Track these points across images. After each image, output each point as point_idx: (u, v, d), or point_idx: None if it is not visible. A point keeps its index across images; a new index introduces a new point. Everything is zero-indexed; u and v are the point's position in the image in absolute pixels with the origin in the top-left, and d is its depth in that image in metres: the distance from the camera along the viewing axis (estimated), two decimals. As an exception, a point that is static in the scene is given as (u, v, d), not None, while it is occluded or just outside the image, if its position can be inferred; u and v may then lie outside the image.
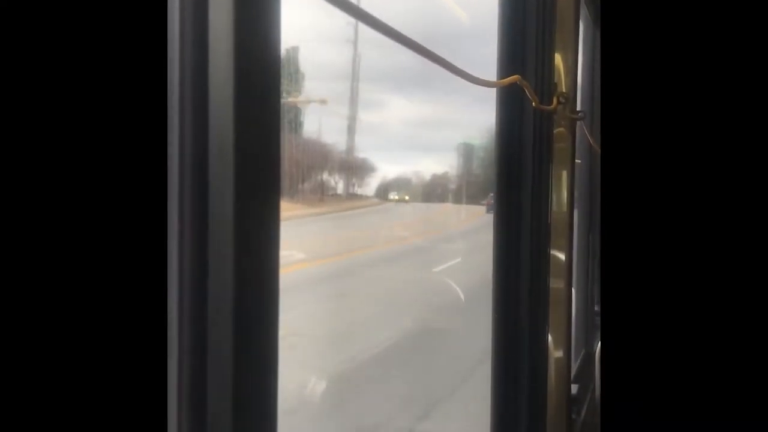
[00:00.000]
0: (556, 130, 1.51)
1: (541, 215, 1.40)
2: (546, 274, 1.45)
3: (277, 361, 0.52)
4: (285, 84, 0.53)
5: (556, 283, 1.54)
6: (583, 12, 2.34)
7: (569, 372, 1.70)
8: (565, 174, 1.58)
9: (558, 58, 1.51)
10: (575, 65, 1.59)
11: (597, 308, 2.83)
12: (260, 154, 0.50)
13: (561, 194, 1.58)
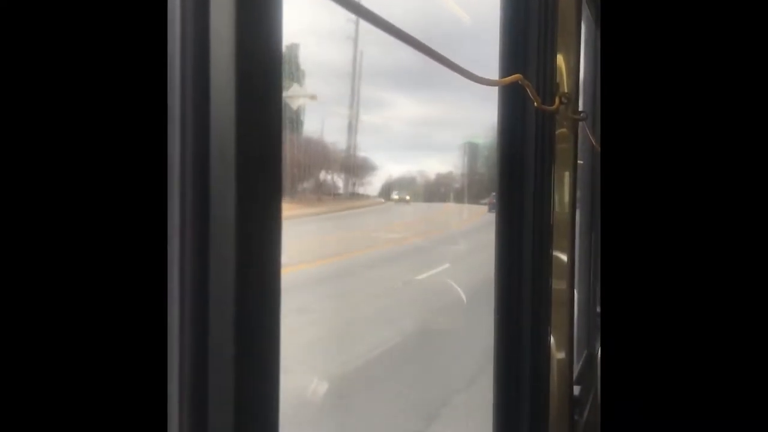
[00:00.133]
0: (558, 131, 1.51)
1: (543, 216, 1.39)
2: (548, 275, 1.45)
3: (279, 364, 0.52)
4: (285, 82, 0.53)
5: (558, 284, 1.53)
6: (585, 12, 2.34)
7: (571, 373, 1.70)
8: (567, 174, 1.58)
9: (560, 59, 1.51)
10: (577, 65, 1.59)
11: (599, 309, 2.83)
12: (262, 155, 0.49)
13: (563, 195, 1.58)
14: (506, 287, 1.35)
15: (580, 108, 1.70)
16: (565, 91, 1.50)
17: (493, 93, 1.37)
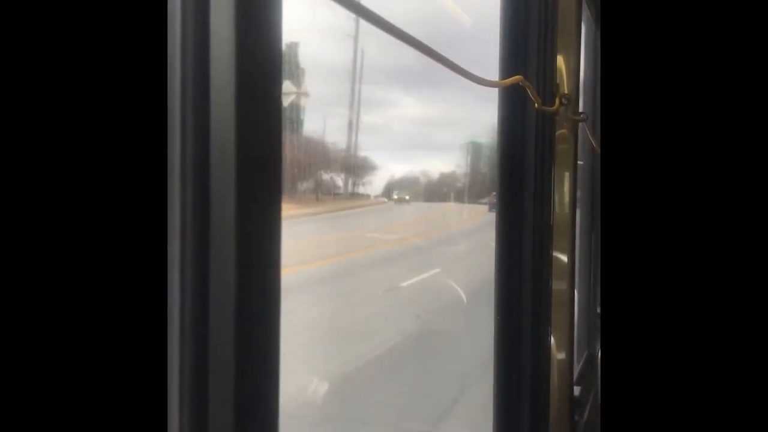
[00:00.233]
0: (558, 132, 1.51)
1: (544, 216, 1.39)
2: (548, 276, 1.45)
3: (279, 364, 0.52)
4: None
5: (558, 285, 1.53)
6: (585, 13, 2.34)
7: (572, 373, 1.70)
8: (567, 175, 1.58)
9: (560, 59, 1.51)
10: (577, 66, 1.59)
11: (600, 310, 2.82)
12: (262, 155, 0.49)
13: (563, 196, 1.58)
14: (507, 288, 1.35)
15: (581, 109, 1.70)
16: (565, 92, 1.50)
17: (495, 92, 1.37)
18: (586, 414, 1.99)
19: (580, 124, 1.67)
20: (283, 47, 0.52)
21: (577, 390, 1.81)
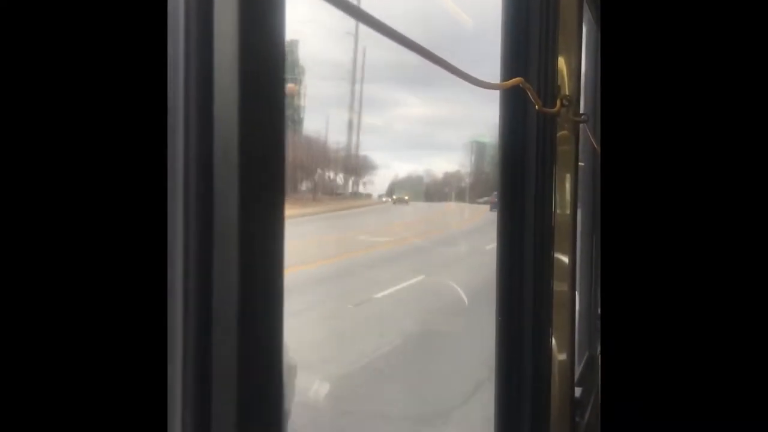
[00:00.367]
0: (559, 133, 1.51)
1: (545, 218, 1.39)
2: (549, 277, 1.45)
3: (282, 363, 0.52)
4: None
5: (559, 286, 1.53)
6: (586, 14, 2.34)
7: (573, 375, 1.70)
8: (568, 177, 1.58)
9: (561, 61, 1.51)
10: (578, 68, 1.59)
11: (600, 311, 2.82)
12: (265, 155, 0.50)
13: (564, 197, 1.58)
14: (508, 289, 1.36)
15: (582, 110, 1.70)
16: (566, 93, 1.50)
17: (497, 92, 1.37)
18: (587, 415, 1.99)
19: (581, 125, 1.67)
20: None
21: (578, 391, 1.81)
